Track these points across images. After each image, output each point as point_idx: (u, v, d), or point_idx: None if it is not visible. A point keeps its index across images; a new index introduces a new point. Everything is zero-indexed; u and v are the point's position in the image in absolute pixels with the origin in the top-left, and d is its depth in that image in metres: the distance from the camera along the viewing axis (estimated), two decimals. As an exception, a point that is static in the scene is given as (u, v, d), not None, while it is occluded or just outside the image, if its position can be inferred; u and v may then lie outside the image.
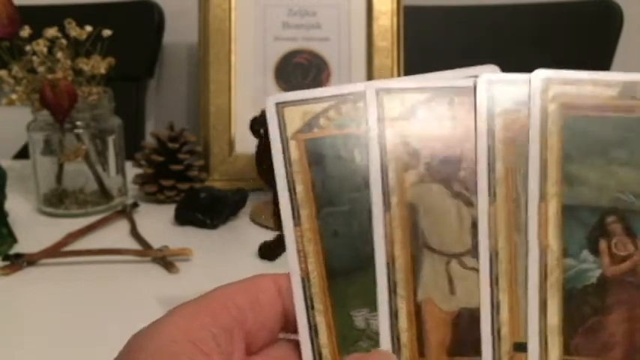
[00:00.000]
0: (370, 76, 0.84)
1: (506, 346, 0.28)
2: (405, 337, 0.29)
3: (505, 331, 0.28)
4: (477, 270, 0.29)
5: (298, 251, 0.29)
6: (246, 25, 0.84)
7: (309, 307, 0.29)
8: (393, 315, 0.29)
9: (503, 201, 0.29)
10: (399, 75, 0.84)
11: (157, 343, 0.25)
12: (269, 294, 0.28)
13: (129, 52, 0.86)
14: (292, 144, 0.30)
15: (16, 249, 0.63)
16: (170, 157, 0.76)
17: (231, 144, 0.83)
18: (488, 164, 0.29)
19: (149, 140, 0.80)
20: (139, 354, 0.25)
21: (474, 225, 0.29)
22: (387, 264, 0.29)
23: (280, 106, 0.30)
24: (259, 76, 0.84)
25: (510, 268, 0.28)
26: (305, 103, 0.30)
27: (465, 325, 0.29)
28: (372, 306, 0.29)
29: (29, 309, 0.53)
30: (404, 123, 0.30)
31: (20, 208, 0.75)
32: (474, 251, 0.29)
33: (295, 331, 0.29)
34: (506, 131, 0.29)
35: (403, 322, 0.29)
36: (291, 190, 0.30)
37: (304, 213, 0.29)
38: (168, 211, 0.72)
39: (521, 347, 0.28)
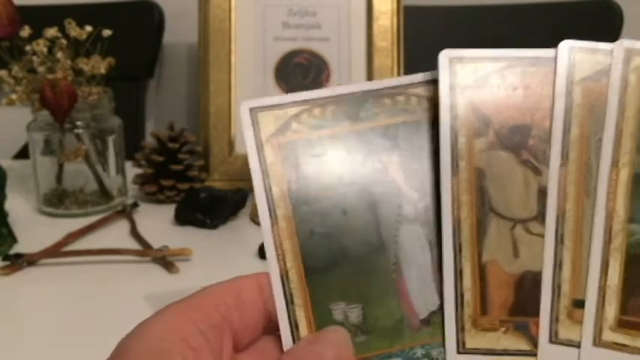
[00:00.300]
0: (370, 76, 0.84)
1: (565, 301, 0.29)
2: (468, 295, 0.30)
3: (565, 287, 0.29)
4: (541, 236, 0.30)
5: (276, 250, 0.30)
6: (246, 25, 0.84)
7: (289, 302, 0.30)
8: (458, 274, 0.30)
9: (575, 164, 0.30)
10: (398, 75, 0.84)
11: (146, 343, 0.25)
12: (252, 293, 0.29)
13: (129, 52, 0.86)
14: (267, 147, 0.31)
15: (16, 249, 0.63)
16: (170, 157, 0.76)
17: (231, 144, 0.83)
18: (564, 127, 0.30)
19: (149, 140, 0.80)
20: (128, 355, 0.25)
21: (541, 192, 0.30)
22: (454, 226, 0.30)
23: (254, 111, 0.31)
24: (259, 76, 0.84)
25: (576, 229, 0.29)
26: (278, 108, 0.31)
27: (528, 287, 0.30)
28: (349, 299, 0.30)
29: (29, 309, 0.53)
30: (476, 91, 0.31)
31: (20, 208, 0.75)
32: (539, 218, 0.30)
33: (277, 327, 0.30)
34: (584, 98, 0.30)
35: (467, 281, 0.30)
36: (268, 192, 0.31)
37: (280, 213, 0.30)
38: (168, 211, 0.72)
39: (579, 304, 0.29)
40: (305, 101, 0.31)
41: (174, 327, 0.26)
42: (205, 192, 0.72)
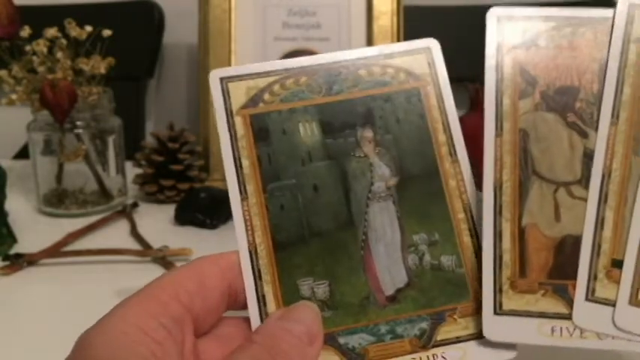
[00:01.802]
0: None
1: (604, 260, 0.29)
2: (507, 257, 0.29)
3: (606, 247, 0.29)
4: (584, 200, 0.29)
5: (246, 224, 0.30)
6: (246, 25, 0.84)
7: (257, 277, 0.30)
8: (497, 236, 0.30)
9: (626, 124, 0.29)
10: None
11: (107, 337, 0.25)
12: (213, 277, 0.29)
13: (129, 52, 0.86)
14: (238, 120, 0.31)
15: (16, 249, 0.63)
16: (170, 157, 0.76)
17: (231, 144, 0.82)
18: (617, 86, 0.29)
19: (149, 140, 0.80)
20: (89, 351, 0.25)
21: (586, 155, 0.30)
22: (495, 187, 0.30)
23: (225, 81, 0.31)
24: (259, 76, 0.84)
25: (621, 189, 0.29)
26: (249, 78, 0.31)
27: (568, 250, 0.29)
28: (317, 275, 0.30)
29: (29, 309, 0.53)
30: (524, 51, 0.30)
31: (20, 208, 0.75)
32: (583, 181, 0.30)
33: (239, 307, 0.30)
34: (639, 58, 0.29)
35: (507, 243, 0.30)
36: (237, 166, 0.30)
37: (250, 188, 0.30)
38: (169, 211, 0.72)
39: (618, 264, 0.29)
40: (277, 71, 0.31)
41: (134, 320, 0.26)
42: (205, 192, 0.72)
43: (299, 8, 0.85)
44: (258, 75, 0.31)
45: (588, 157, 0.30)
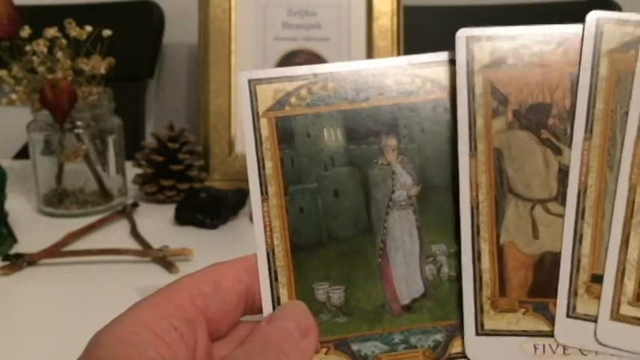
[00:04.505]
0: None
1: (584, 276, 0.29)
2: (487, 277, 0.30)
3: (585, 262, 0.29)
4: (561, 216, 0.29)
5: (265, 226, 0.30)
6: (246, 25, 0.84)
7: (273, 279, 0.30)
8: (476, 256, 0.30)
9: (600, 138, 0.29)
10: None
11: (117, 337, 0.25)
12: (230, 280, 0.29)
13: (129, 52, 0.86)
14: (263, 121, 0.30)
15: (16, 249, 0.63)
16: (170, 157, 0.76)
17: (231, 144, 0.83)
18: (589, 101, 0.29)
19: (149, 140, 0.80)
20: (98, 351, 0.25)
21: (562, 172, 0.30)
22: (472, 208, 0.30)
23: (253, 83, 0.31)
24: (259, 76, 0.84)
25: (597, 203, 0.29)
26: (278, 81, 0.31)
27: (548, 268, 0.30)
28: (333, 280, 0.30)
29: (29, 309, 0.53)
30: (494, 70, 0.30)
31: (20, 208, 0.75)
32: (559, 198, 0.30)
33: (256, 312, 0.30)
34: (611, 70, 0.29)
35: (485, 262, 0.30)
36: (260, 167, 0.30)
37: (272, 189, 0.30)
38: (169, 211, 0.72)
39: (598, 279, 0.29)
40: (305, 76, 0.31)
41: (146, 322, 0.26)
42: (205, 192, 0.72)
43: (299, 8, 0.85)
44: (287, 79, 0.31)
45: (563, 173, 0.30)
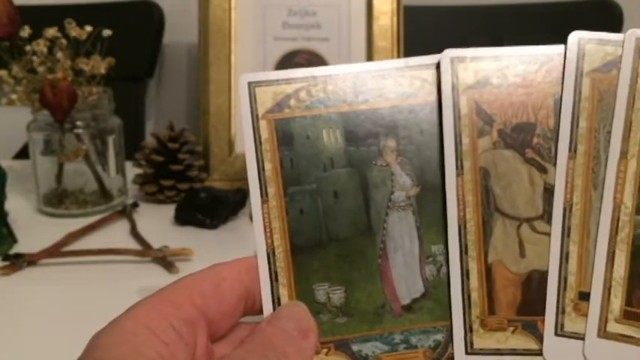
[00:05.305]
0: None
1: (571, 294, 0.29)
2: (475, 296, 0.30)
3: (572, 280, 0.29)
4: (548, 234, 0.30)
5: (265, 227, 0.30)
6: (246, 25, 0.84)
7: (274, 280, 0.30)
8: (465, 275, 0.30)
9: (584, 157, 0.30)
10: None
11: (115, 337, 0.25)
12: (230, 280, 0.29)
13: (129, 52, 0.86)
14: (262, 123, 0.31)
15: (16, 249, 0.63)
16: (170, 157, 0.76)
17: (231, 144, 0.83)
18: (572, 120, 0.30)
19: (149, 140, 0.80)
20: (96, 351, 0.25)
21: (547, 190, 0.30)
22: (459, 227, 0.30)
23: (253, 85, 0.31)
24: (259, 76, 0.84)
25: (583, 222, 0.29)
26: (277, 84, 0.31)
27: (535, 286, 0.30)
28: (333, 281, 0.30)
29: (29, 309, 0.53)
30: (478, 90, 0.31)
31: (20, 208, 0.75)
32: (545, 216, 0.30)
33: (256, 313, 0.30)
34: (594, 90, 0.30)
35: (474, 281, 0.30)
36: (260, 169, 0.31)
37: (272, 191, 0.30)
38: (169, 211, 0.72)
39: (585, 296, 0.29)
40: (304, 78, 0.31)
41: (146, 322, 0.25)
42: (205, 192, 0.72)
43: (299, 8, 0.85)
44: (286, 81, 0.31)
45: (549, 192, 0.30)
